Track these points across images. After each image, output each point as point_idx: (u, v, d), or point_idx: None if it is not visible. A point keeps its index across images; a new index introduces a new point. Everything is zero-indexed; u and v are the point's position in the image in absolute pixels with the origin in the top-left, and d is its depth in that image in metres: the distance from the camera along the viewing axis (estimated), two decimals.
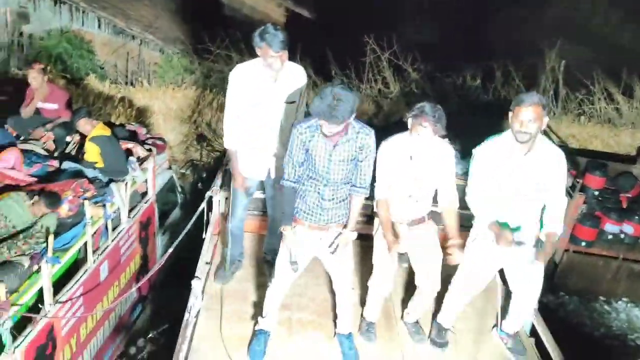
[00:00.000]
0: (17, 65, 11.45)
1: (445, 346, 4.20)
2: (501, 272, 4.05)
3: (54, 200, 4.58)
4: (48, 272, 4.16)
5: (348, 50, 11.32)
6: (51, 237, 4.28)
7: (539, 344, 4.21)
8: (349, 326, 4.06)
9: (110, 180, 5.43)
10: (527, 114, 3.37)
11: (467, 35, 14.82)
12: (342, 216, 3.60)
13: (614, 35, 17.57)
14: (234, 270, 4.68)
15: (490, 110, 10.09)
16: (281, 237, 3.66)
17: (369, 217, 4.27)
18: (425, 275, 3.96)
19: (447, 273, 4.05)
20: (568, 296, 7.60)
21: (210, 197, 4.90)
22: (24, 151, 5.44)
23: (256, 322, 4.05)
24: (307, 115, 3.58)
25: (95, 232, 4.94)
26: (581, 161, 8.03)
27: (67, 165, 5.45)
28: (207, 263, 4.71)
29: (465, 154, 4.32)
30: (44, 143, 5.92)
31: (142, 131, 6.69)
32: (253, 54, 3.93)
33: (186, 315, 4.04)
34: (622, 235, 7.65)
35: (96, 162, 5.46)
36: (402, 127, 3.71)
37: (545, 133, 4.27)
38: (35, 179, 5.16)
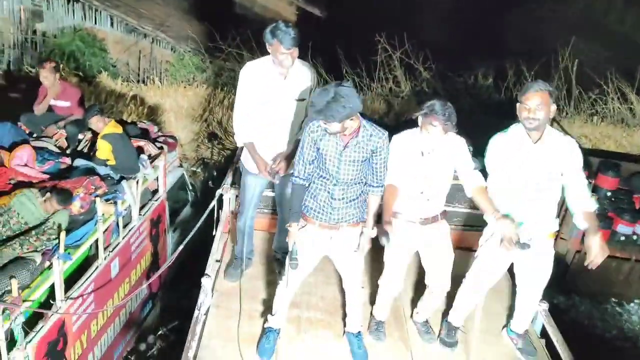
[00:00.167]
0: (30, 63, 11.54)
1: (455, 346, 4.17)
2: (510, 269, 4.04)
3: (65, 197, 4.62)
4: (59, 269, 4.19)
5: (359, 49, 11.29)
6: (63, 234, 4.31)
7: (550, 345, 4.17)
8: (358, 325, 4.05)
9: (122, 178, 5.46)
10: (534, 100, 3.40)
11: (479, 34, 14.72)
12: (352, 215, 3.59)
13: (629, 35, 17.40)
14: (244, 268, 4.69)
15: (502, 109, 10.02)
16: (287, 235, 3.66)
17: (379, 216, 4.26)
18: (436, 275, 3.94)
19: (457, 273, 4.04)
20: (579, 297, 7.54)
21: (221, 195, 4.91)
22: (36, 148, 5.49)
23: (265, 320, 4.05)
24: None
25: (106, 229, 4.97)
26: (594, 161, 7.94)
27: (79, 162, 5.50)
28: (217, 261, 4.72)
29: (476, 153, 4.30)
30: (57, 140, 5.97)
31: (153, 129, 6.72)
32: (264, 52, 3.92)
33: (196, 312, 4.05)
34: (635, 237, 7.56)
35: (108, 160, 5.50)
36: (412, 126, 3.69)
37: None
38: (48, 176, 5.21)
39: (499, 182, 3.61)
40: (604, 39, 16.11)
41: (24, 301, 3.91)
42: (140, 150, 5.98)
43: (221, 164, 9.24)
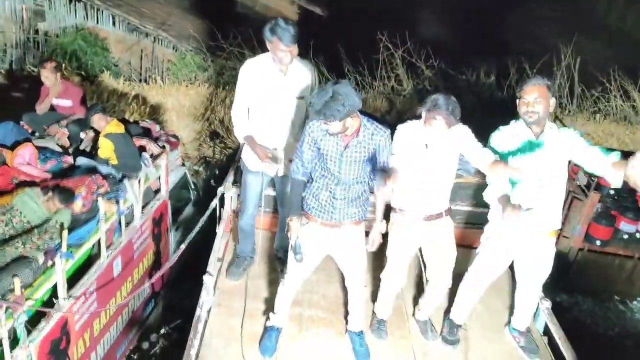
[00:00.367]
0: (32, 62, 11.56)
1: (457, 344, 4.17)
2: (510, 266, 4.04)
3: (68, 196, 4.62)
4: (62, 267, 4.19)
5: (361, 47, 11.28)
6: (65, 233, 4.31)
7: (552, 343, 4.17)
8: (360, 324, 4.05)
9: (124, 177, 5.47)
10: (532, 94, 3.45)
11: (481, 32, 14.70)
12: (354, 214, 3.58)
13: (631, 32, 17.35)
14: (246, 267, 4.70)
15: (504, 107, 10.01)
16: (287, 228, 3.66)
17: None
18: (438, 270, 3.95)
19: (459, 270, 4.04)
20: (582, 296, 7.52)
21: (223, 194, 4.91)
22: (38, 147, 5.49)
23: (267, 318, 4.06)
24: None
25: (108, 228, 4.97)
26: None
27: (81, 161, 5.50)
28: (219, 259, 4.72)
29: None
30: (59, 139, 5.98)
31: (155, 128, 6.72)
32: (265, 51, 3.93)
33: (198, 311, 4.06)
34: (638, 235, 7.54)
35: (110, 159, 5.50)
36: None
37: None
38: (50, 175, 5.21)
39: (500, 195, 3.61)
40: (606, 37, 16.07)
41: (26, 300, 3.92)
42: (142, 149, 5.98)
43: (223, 162, 9.24)
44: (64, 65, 10.45)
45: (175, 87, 10.66)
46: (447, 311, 4.28)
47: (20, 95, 9.64)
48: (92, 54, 12.08)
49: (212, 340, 4.02)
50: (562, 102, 11.24)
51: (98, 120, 5.57)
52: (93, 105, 5.78)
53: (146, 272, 5.86)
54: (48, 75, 6.01)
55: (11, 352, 3.74)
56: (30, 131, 6.00)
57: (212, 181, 8.63)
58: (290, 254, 3.68)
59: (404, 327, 4.34)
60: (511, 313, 4.29)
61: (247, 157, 4.26)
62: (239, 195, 4.91)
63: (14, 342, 3.80)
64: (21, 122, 6.01)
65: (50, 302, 4.25)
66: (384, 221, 3.62)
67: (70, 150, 5.88)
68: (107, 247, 4.96)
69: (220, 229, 4.85)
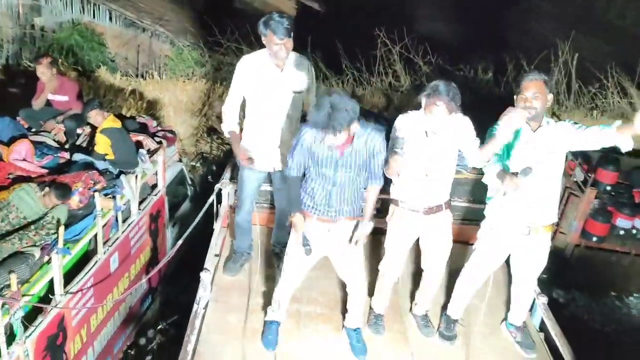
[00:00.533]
0: (29, 57, 11.51)
1: (454, 339, 4.18)
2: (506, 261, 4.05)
3: (64, 191, 4.62)
4: (59, 263, 4.19)
5: (359, 43, 11.26)
6: (62, 229, 4.31)
7: (549, 339, 4.18)
8: (359, 321, 4.06)
9: (121, 172, 5.46)
10: (530, 90, 3.46)
11: (479, 28, 14.69)
12: (349, 211, 3.59)
13: (630, 29, 17.36)
14: (243, 263, 4.69)
15: (502, 103, 9.99)
16: (290, 227, 3.65)
17: (377, 210, 4.26)
18: (432, 260, 3.97)
19: (456, 266, 4.03)
20: (579, 292, 7.55)
21: (220, 190, 4.90)
22: (35, 143, 5.48)
23: (266, 314, 4.06)
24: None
25: (105, 224, 4.96)
26: (593, 155, 7.95)
27: (78, 157, 5.49)
28: (216, 255, 4.72)
29: None
30: (55, 135, 5.96)
31: (152, 124, 6.71)
32: (263, 47, 3.92)
33: (195, 306, 4.06)
34: (634, 231, 7.58)
35: (107, 154, 5.49)
36: None
37: None
38: (47, 171, 5.20)
39: (498, 171, 3.61)
40: (604, 34, 16.08)
41: (23, 295, 3.91)
42: (139, 144, 5.97)
43: (220, 158, 9.24)
44: (60, 60, 10.43)
45: (172, 83, 10.63)
46: (445, 307, 4.29)
47: (17, 91, 9.61)
48: (88, 49, 12.03)
49: (209, 335, 4.01)
50: (559, 98, 11.25)
51: (95, 115, 5.55)
52: (90, 101, 5.77)
53: (143, 267, 5.86)
54: (44, 71, 5.99)
55: (7, 348, 3.74)
56: (26, 127, 5.99)
57: (209, 177, 8.61)
58: (293, 250, 3.69)
59: (401, 323, 4.34)
60: (508, 309, 4.29)
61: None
62: (235, 191, 4.90)
63: (11, 338, 3.80)
64: (17, 118, 6.00)
65: (46, 298, 4.24)
66: (371, 222, 3.61)
67: (67, 146, 5.87)
68: (104, 243, 4.96)
69: (217, 225, 4.85)
